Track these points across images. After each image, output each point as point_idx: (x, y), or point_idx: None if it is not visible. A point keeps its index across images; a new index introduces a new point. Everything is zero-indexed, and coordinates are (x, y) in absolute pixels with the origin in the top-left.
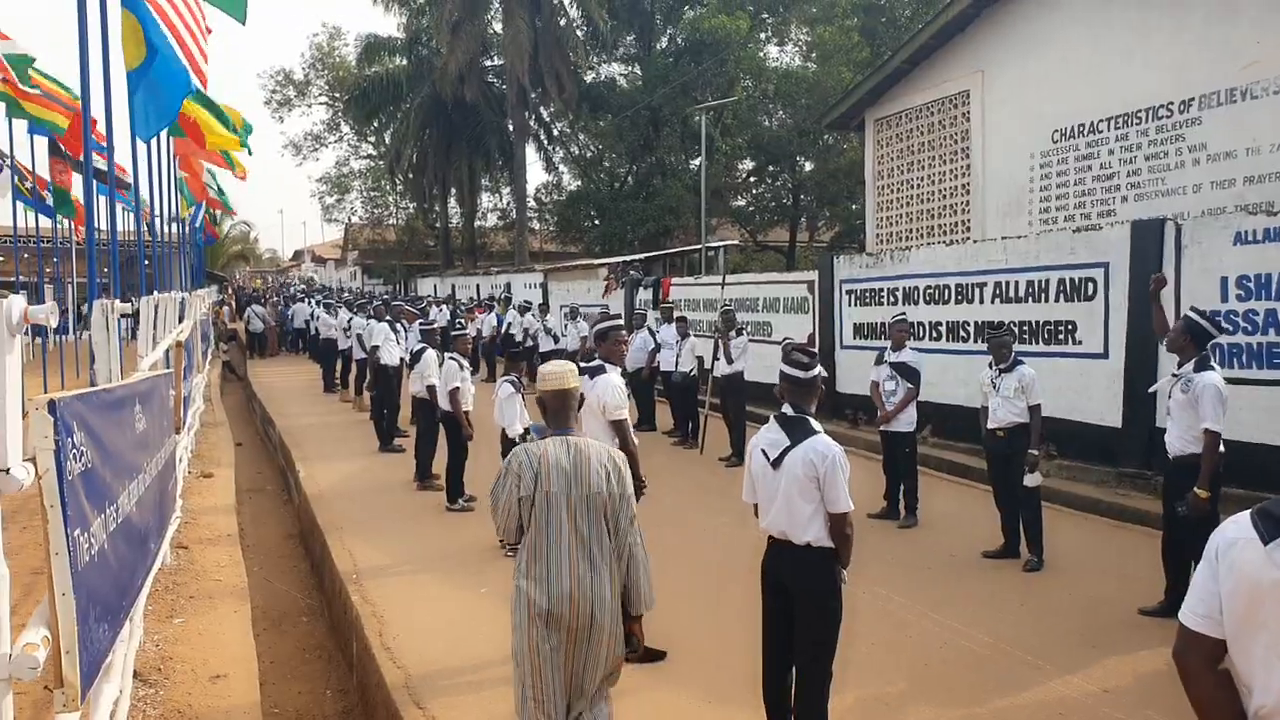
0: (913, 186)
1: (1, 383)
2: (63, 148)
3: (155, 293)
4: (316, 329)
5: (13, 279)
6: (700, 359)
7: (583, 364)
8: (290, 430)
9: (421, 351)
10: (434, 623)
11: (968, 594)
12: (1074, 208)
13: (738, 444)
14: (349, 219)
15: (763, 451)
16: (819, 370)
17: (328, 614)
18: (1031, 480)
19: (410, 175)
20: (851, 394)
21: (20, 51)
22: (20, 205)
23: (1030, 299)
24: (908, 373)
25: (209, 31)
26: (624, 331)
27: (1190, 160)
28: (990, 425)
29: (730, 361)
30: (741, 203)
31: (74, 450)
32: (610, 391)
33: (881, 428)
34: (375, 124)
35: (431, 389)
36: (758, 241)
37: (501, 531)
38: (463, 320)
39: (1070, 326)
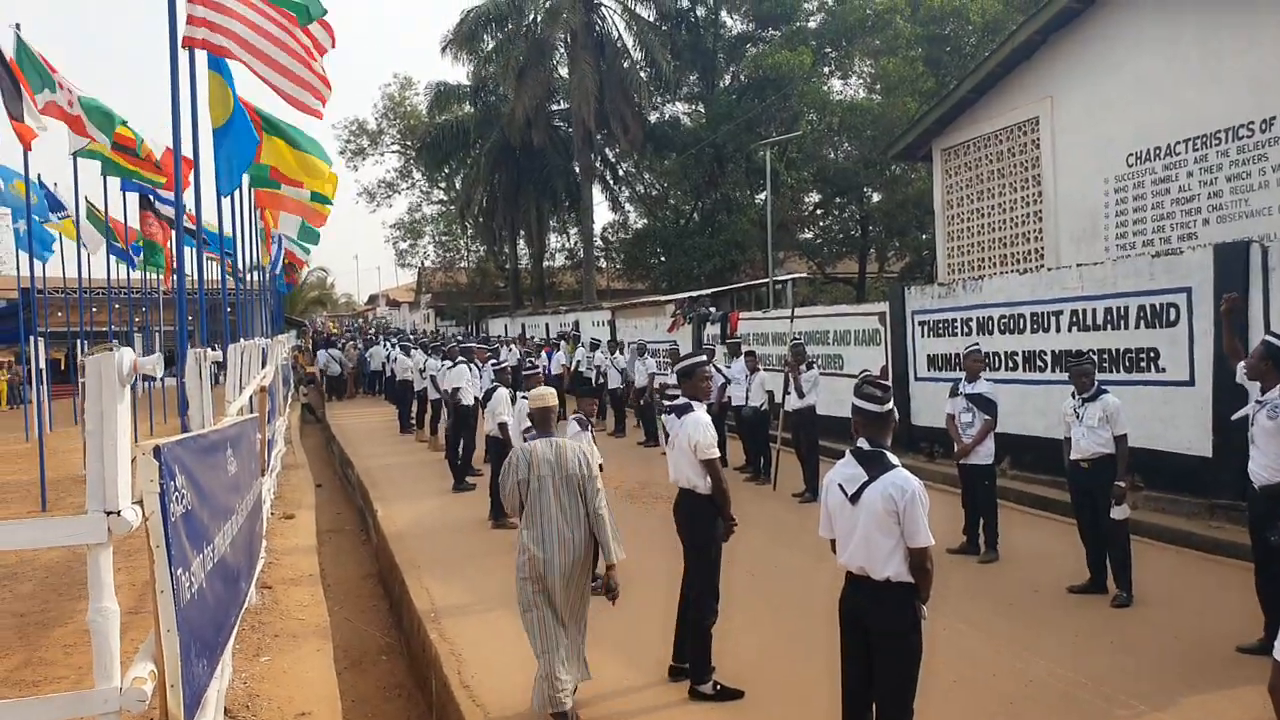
0: (983, 215)
1: (113, 430)
2: (153, 202)
3: (241, 339)
4: (393, 371)
5: (105, 329)
6: (771, 393)
7: (668, 402)
8: (368, 471)
9: (494, 390)
10: (511, 661)
11: (1053, 630)
12: (1152, 232)
13: (811, 479)
14: (422, 263)
15: (840, 486)
16: (892, 404)
17: (406, 652)
18: (1119, 513)
19: (480, 219)
20: (927, 427)
21: (106, 109)
22: (112, 257)
23: (1109, 326)
24: (984, 404)
25: (323, 50)
26: (709, 368)
27: (1275, 180)
28: (1073, 456)
29: (801, 395)
30: (809, 235)
31: (176, 493)
32: (700, 430)
33: (960, 461)
34: (446, 170)
35: (503, 426)
36: (826, 274)
37: (509, 507)
38: (533, 360)
39: (1152, 354)
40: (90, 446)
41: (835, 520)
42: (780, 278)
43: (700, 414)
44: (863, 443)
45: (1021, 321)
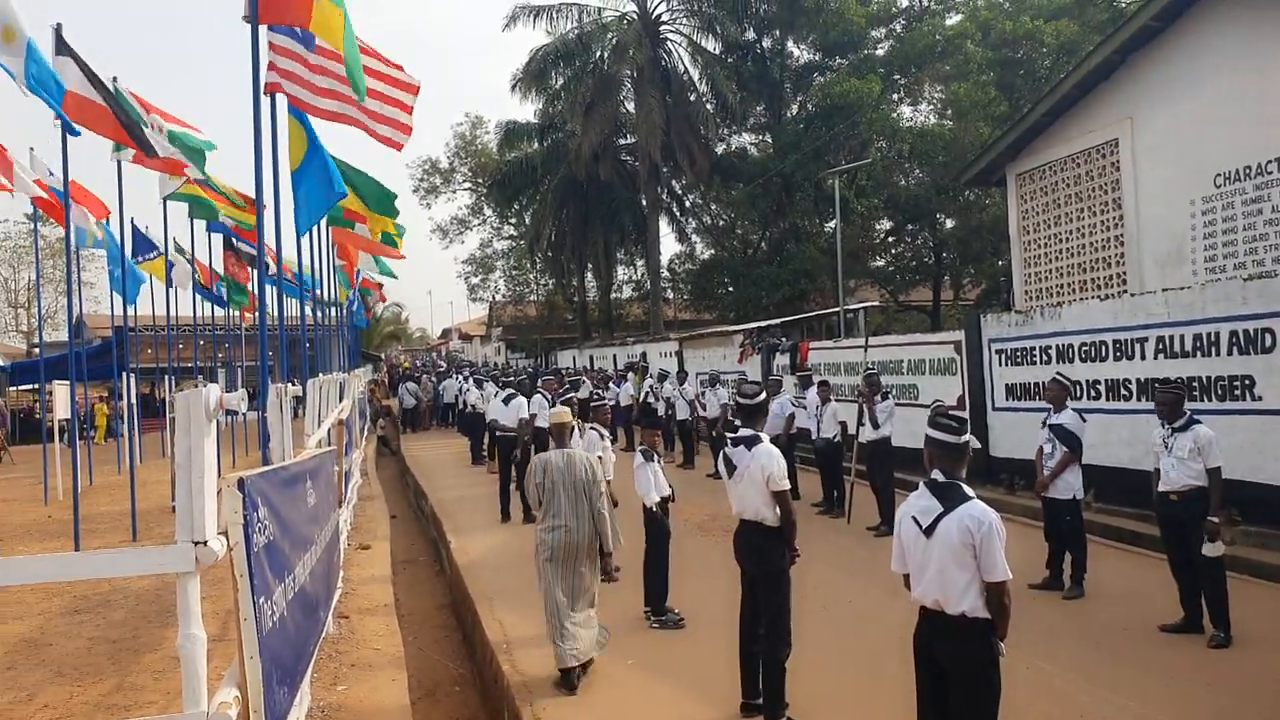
0: (1061, 240)
1: (200, 463)
2: (235, 243)
3: (320, 374)
4: (465, 403)
5: (191, 365)
6: (843, 424)
7: (732, 435)
8: (441, 502)
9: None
10: (583, 694)
11: (1145, 671)
12: (1244, 254)
13: (886, 512)
14: (493, 297)
15: (914, 519)
16: (969, 435)
17: (479, 684)
18: (1212, 550)
19: (549, 253)
20: (1006, 458)
21: (202, 139)
22: (197, 296)
23: (1198, 353)
24: (1064, 436)
25: (410, 88)
26: (773, 399)
27: None
28: (1162, 488)
29: (876, 426)
30: (880, 263)
31: (259, 524)
32: (772, 461)
33: (1041, 494)
34: (516, 206)
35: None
36: (899, 302)
37: (531, 503)
38: (600, 392)
39: (1246, 381)
40: (179, 479)
41: (909, 554)
42: (852, 306)
43: (769, 445)
44: (937, 474)
45: (1104, 349)
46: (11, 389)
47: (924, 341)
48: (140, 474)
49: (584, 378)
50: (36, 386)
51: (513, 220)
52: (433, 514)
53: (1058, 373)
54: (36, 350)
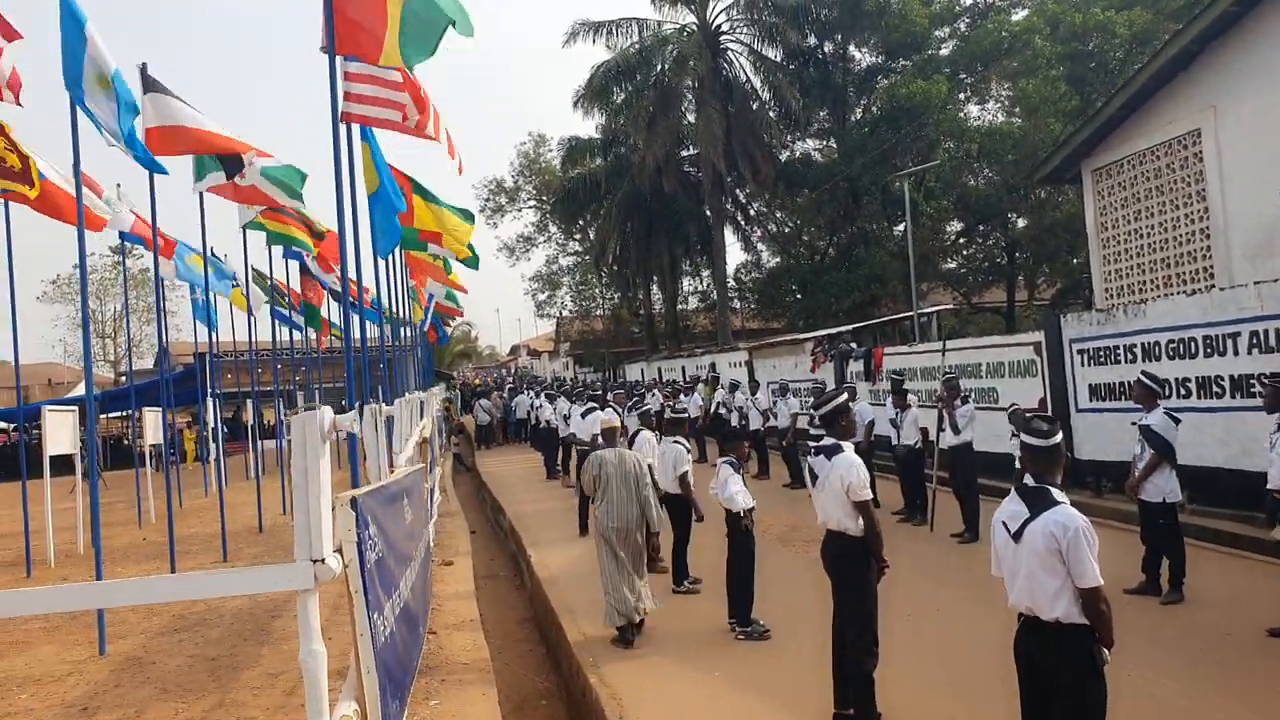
0: (1142, 235)
1: (316, 483)
2: (310, 268)
3: (397, 394)
4: (538, 418)
5: (270, 388)
6: (924, 430)
7: (812, 444)
8: (519, 517)
9: (637, 433)
10: (670, 705)
11: (1253, 677)
12: None
13: (970, 519)
14: (560, 312)
15: (1004, 524)
16: (1060, 437)
17: (566, 697)
18: None
19: (614, 267)
20: (1092, 460)
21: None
22: (275, 321)
23: None
24: (1152, 437)
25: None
26: (850, 406)
27: None
28: (1270, 486)
29: (957, 432)
30: (952, 265)
31: (370, 540)
32: (852, 471)
33: (1139, 496)
34: (580, 222)
35: (648, 469)
36: (972, 304)
37: (588, 491)
38: (673, 404)
39: None
40: (296, 499)
41: (1002, 559)
42: (925, 310)
43: (850, 454)
44: (1028, 479)
45: (1193, 346)
46: (102, 416)
47: (1002, 343)
48: (226, 496)
49: (655, 390)
50: (127, 414)
51: (577, 236)
52: (511, 528)
53: (1142, 372)
54: (123, 379)
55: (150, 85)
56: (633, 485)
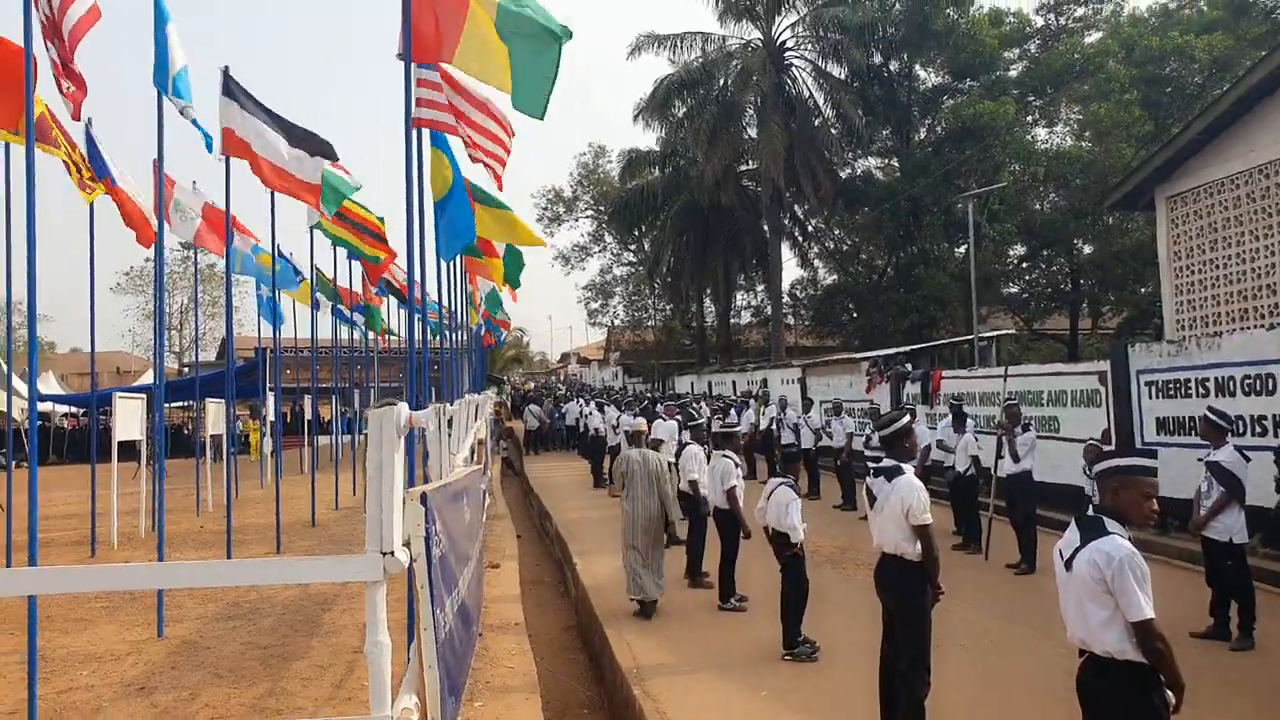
0: (1218, 266)
1: (391, 477)
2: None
3: (450, 396)
4: (587, 426)
5: (329, 385)
6: (975, 458)
7: (874, 465)
8: (566, 524)
9: (686, 447)
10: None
11: None
12: None
13: (1027, 549)
14: (611, 322)
15: (1059, 552)
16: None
17: (609, 707)
18: None
19: (668, 278)
20: (1160, 497)
21: (349, 182)
22: (335, 319)
23: None
24: (1221, 474)
25: (512, 134)
26: (913, 428)
27: None
28: None
29: (1017, 459)
30: (1014, 289)
31: (435, 536)
32: (913, 494)
33: (1203, 534)
34: (636, 233)
35: (694, 484)
36: (1034, 330)
37: (617, 483)
38: (723, 418)
39: None
40: (369, 491)
41: (1060, 589)
42: (985, 334)
43: (911, 476)
44: (1090, 509)
45: (1271, 382)
46: (167, 405)
47: (1066, 371)
48: (282, 489)
49: (702, 404)
50: (188, 404)
51: (632, 247)
52: (557, 535)
53: (1208, 408)
54: (187, 370)
55: (230, 90)
56: (653, 482)
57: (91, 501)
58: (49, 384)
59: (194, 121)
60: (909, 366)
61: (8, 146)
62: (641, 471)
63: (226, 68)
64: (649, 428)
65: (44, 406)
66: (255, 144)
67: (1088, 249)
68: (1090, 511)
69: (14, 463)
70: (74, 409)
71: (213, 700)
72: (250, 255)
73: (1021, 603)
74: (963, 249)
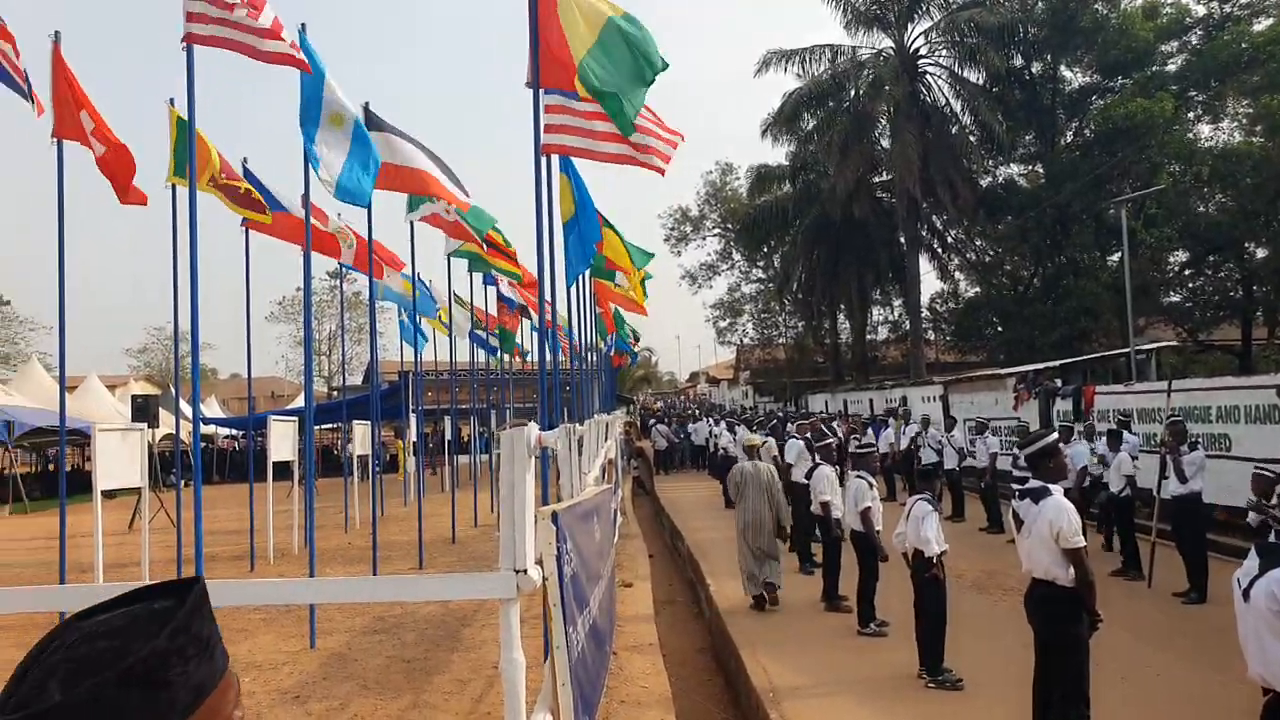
0: None
1: (523, 496)
2: (505, 292)
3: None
4: (716, 446)
5: (467, 406)
6: (1130, 478)
7: (1018, 487)
8: (698, 545)
9: (817, 468)
10: None
11: None
12: None
13: (1195, 577)
14: (741, 340)
15: (1237, 581)
16: None
17: None
18: None
19: (799, 295)
20: None
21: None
22: (472, 343)
23: None
24: None
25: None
26: (1061, 446)
27: None
28: None
29: (1183, 480)
30: (1175, 299)
31: (566, 555)
32: (1062, 516)
33: None
34: (765, 249)
35: (825, 505)
36: (1199, 341)
37: (733, 494)
38: (859, 436)
39: None
40: (502, 510)
41: (1238, 621)
42: (1143, 346)
43: (1059, 498)
44: (1274, 535)
45: None
46: (316, 427)
47: (1238, 385)
48: (423, 507)
49: (835, 422)
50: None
51: (761, 263)
52: (689, 555)
53: None
54: (336, 393)
55: (373, 123)
56: (764, 490)
57: (250, 518)
58: (211, 408)
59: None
60: (1059, 382)
61: (174, 190)
62: (754, 481)
63: (367, 104)
64: (779, 448)
65: (207, 429)
66: (403, 159)
67: (1262, 253)
68: (1273, 538)
69: (181, 482)
70: (233, 431)
71: (361, 711)
72: (396, 280)
73: (1190, 634)
74: (1116, 257)
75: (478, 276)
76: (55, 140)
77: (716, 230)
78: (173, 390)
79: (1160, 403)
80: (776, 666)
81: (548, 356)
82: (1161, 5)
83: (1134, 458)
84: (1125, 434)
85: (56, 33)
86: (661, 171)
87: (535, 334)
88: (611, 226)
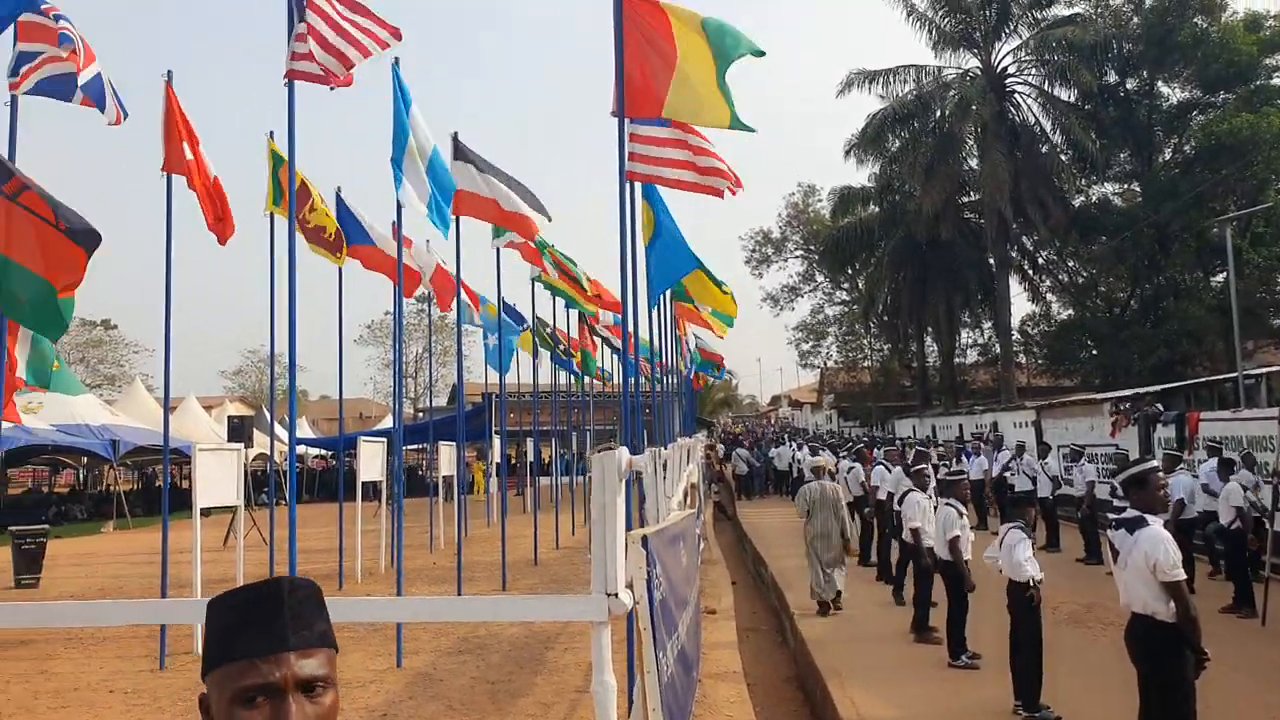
0: None
1: (613, 519)
2: (586, 319)
3: (661, 440)
4: (800, 471)
5: (548, 428)
6: (1239, 509)
7: (1115, 517)
8: (782, 572)
9: (907, 494)
10: None
11: None
12: None
13: None
14: (824, 364)
15: None
16: None
17: None
18: None
19: (884, 317)
20: None
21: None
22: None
23: None
24: None
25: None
26: (1160, 474)
27: None
28: None
29: None
30: None
31: (656, 579)
32: (1159, 548)
33: None
34: (849, 271)
35: (915, 532)
36: None
37: (800, 511)
38: (949, 462)
39: None
40: (594, 534)
41: None
42: (1251, 371)
43: (1157, 528)
44: None
45: None
46: (404, 448)
47: None
48: (506, 528)
49: (930, 449)
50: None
51: (845, 285)
52: (773, 582)
53: None
54: (422, 414)
55: (460, 153)
56: (831, 507)
57: (339, 537)
58: (302, 429)
59: (431, 211)
60: (1160, 407)
61: (273, 220)
62: (821, 499)
63: (455, 134)
64: (868, 475)
65: (299, 449)
66: (484, 190)
67: None
68: None
69: (274, 501)
70: (323, 451)
71: None
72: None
73: None
74: (1221, 277)
75: (560, 300)
76: (165, 174)
77: (799, 252)
78: (266, 411)
79: (1272, 430)
80: (865, 697)
81: (629, 380)
82: (1265, 18)
83: (1245, 488)
84: (1235, 462)
85: (169, 72)
86: (720, 194)
87: (616, 357)
88: (704, 268)
